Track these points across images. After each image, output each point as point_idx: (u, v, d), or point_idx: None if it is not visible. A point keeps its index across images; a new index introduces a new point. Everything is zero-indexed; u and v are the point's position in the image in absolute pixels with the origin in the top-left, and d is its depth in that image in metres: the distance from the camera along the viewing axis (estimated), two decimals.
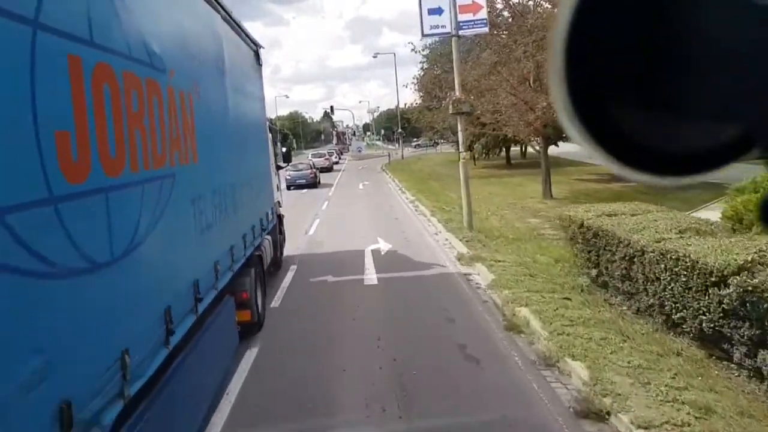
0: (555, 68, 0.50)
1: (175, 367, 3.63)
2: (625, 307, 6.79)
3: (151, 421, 3.11)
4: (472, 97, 16.06)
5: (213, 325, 4.65)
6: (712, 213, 9.65)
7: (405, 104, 49.55)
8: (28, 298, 1.98)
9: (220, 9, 5.61)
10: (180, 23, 4.23)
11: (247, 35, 7.46)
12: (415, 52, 31.27)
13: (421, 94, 34.34)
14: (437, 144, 60.25)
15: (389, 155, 48.67)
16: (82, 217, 2.39)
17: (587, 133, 0.53)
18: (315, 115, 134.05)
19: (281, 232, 10.53)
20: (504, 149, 35.51)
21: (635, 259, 6.22)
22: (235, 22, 6.51)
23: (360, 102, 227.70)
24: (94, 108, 2.52)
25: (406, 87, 40.05)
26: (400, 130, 54.93)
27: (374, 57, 52.71)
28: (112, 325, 2.64)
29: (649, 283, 6.02)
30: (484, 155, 36.02)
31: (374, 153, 64.51)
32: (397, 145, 67.25)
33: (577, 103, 0.51)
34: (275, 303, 8.21)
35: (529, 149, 35.80)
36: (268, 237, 8.35)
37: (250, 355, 6.21)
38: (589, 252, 7.55)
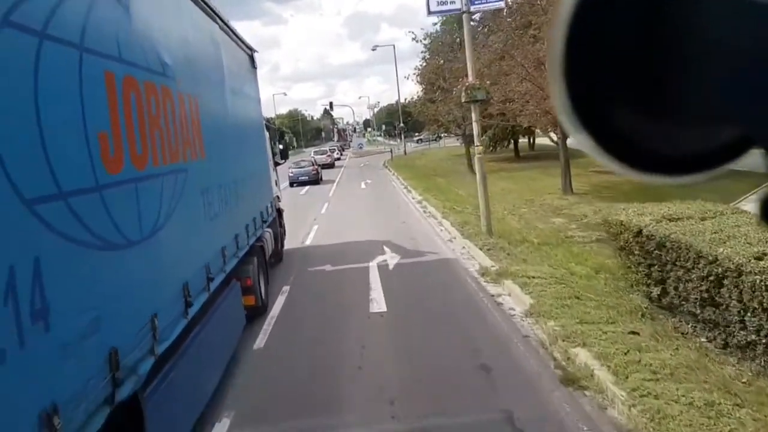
0: (554, 67, 0.51)
1: (194, 336, 4.19)
2: (704, 339, 5.33)
3: (176, 380, 3.67)
4: (488, 83, 13.99)
5: (223, 304, 5.21)
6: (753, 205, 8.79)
7: (405, 99, 48.40)
8: (83, 264, 2.53)
9: (217, 19, 6.14)
10: (185, 35, 4.76)
11: (242, 41, 7.98)
12: (416, 41, 28.42)
13: (423, 86, 32.79)
14: (440, 138, 58.82)
15: (392, 151, 47.29)
16: (119, 202, 2.93)
17: (587, 133, 0.53)
18: (315, 113, 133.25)
19: (281, 225, 11.05)
20: (512, 141, 33.80)
21: (726, 281, 4.86)
22: (231, 30, 7.04)
23: (360, 98, 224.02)
24: (124, 113, 3.07)
25: (408, 78, 38.34)
26: (401, 124, 52.46)
27: (373, 50, 48.00)
28: (143, 292, 3.19)
29: (748, 314, 4.64)
30: (491, 148, 33.78)
31: (375, 149, 62.57)
32: (398, 140, 65.17)
33: (577, 102, 0.52)
34: (258, 343, 6.58)
35: (538, 140, 33.72)
36: (269, 230, 8.89)
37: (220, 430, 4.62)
38: (650, 267, 6.13)
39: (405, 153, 48.67)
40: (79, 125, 2.56)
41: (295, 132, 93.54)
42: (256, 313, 7.15)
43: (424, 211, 15.77)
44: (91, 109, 2.66)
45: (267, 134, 10.27)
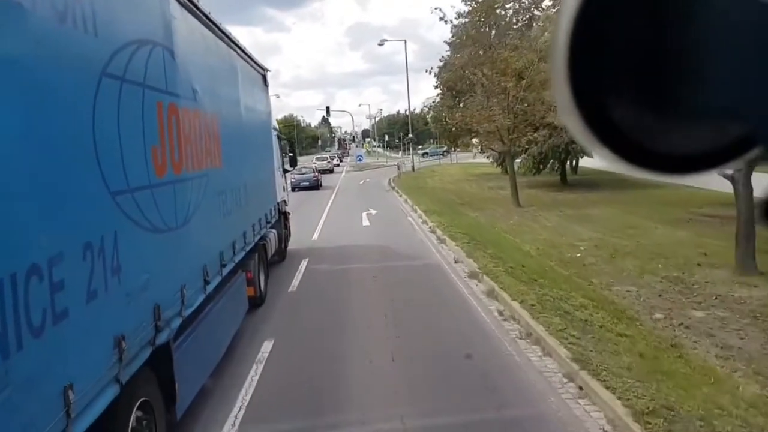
0: (558, 67, 0.51)
1: (209, 309, 5.20)
2: None
3: (196, 338, 4.68)
4: None
5: (231, 288, 6.22)
6: None
7: (415, 108, 43.82)
8: (144, 241, 3.55)
9: (236, 47, 7.21)
10: (211, 66, 5.82)
11: (256, 63, 9.05)
12: (445, 21, 22.32)
13: (444, 87, 26.25)
14: (447, 152, 53.55)
15: (398, 167, 37.87)
16: (163, 197, 3.95)
17: (590, 132, 0.53)
18: (313, 121, 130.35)
19: (286, 228, 12.06)
20: (560, 162, 26.73)
21: None
22: (247, 55, 8.11)
23: (360, 105, 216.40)
24: (168, 131, 4.10)
25: (430, 73, 27.21)
26: (410, 135, 45.51)
27: (380, 44, 44.13)
28: (177, 266, 4.21)
29: None
30: (534, 171, 26.24)
31: (376, 162, 56.46)
32: (401, 152, 60.11)
33: (580, 101, 0.52)
34: None
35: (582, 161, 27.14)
36: (273, 231, 9.90)
37: None
38: None
39: (413, 169, 41.20)
40: (141, 141, 3.60)
41: (290, 139, 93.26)
42: (254, 304, 8.07)
43: (500, 314, 7.35)
44: (148, 129, 3.71)
45: (277, 144, 11.35)
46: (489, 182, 27.21)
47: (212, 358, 5.33)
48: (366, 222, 16.92)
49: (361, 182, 34.11)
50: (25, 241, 2.33)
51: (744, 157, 0.53)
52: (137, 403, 3.57)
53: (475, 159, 47.80)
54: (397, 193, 25.73)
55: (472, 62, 20.77)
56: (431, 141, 77.75)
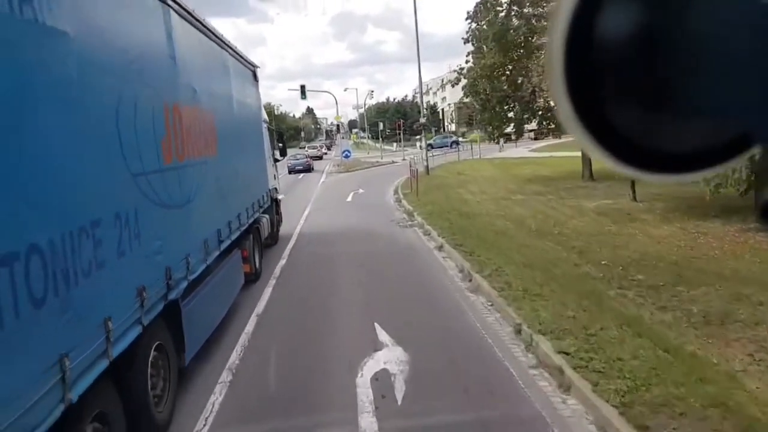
0: (555, 67, 0.51)
1: (210, 278, 6.09)
2: None
3: (200, 300, 5.57)
4: None
5: (229, 263, 7.12)
6: None
7: (406, 96, 37.56)
8: (156, 214, 4.42)
9: (228, 48, 8.04)
10: (207, 68, 6.67)
11: (246, 60, 9.88)
12: None
13: (474, 47, 19.66)
14: (457, 143, 46.25)
15: (415, 171, 19.07)
16: (171, 180, 4.82)
17: (588, 132, 0.53)
18: (297, 112, 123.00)
19: (278, 213, 12.94)
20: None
21: None
22: (239, 54, 8.94)
23: (345, 90, 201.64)
24: (173, 128, 4.97)
25: None
26: (423, 119, 33.77)
27: None
28: (182, 239, 5.10)
29: None
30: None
31: (367, 158, 45.04)
32: (397, 145, 54.02)
33: (578, 101, 0.52)
34: None
35: None
36: (266, 215, 10.78)
37: None
38: None
39: (428, 170, 26.91)
40: (152, 135, 4.46)
41: (279, 130, 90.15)
42: (250, 279, 8.95)
43: None
44: (158, 126, 4.58)
45: (268, 135, 12.20)
46: (577, 197, 14.92)
47: (214, 319, 6.24)
48: None
49: (349, 199, 20.26)
50: (75, 209, 3.21)
51: (742, 156, 0.54)
52: (155, 344, 4.47)
53: (501, 152, 37.34)
54: (426, 234, 12.22)
55: None
56: (431, 130, 72.85)
